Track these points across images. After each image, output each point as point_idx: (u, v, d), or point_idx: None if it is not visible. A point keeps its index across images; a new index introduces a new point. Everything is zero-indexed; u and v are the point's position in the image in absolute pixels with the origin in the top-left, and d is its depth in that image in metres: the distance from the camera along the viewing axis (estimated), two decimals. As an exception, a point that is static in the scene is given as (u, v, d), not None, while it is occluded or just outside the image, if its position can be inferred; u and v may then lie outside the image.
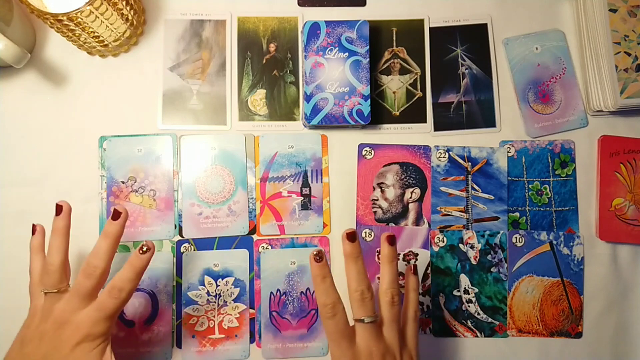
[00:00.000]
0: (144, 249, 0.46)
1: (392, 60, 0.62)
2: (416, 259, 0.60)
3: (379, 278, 0.59)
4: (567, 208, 0.61)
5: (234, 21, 0.62)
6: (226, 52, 0.61)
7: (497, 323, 0.60)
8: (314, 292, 0.59)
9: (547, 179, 0.61)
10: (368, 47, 0.58)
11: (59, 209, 0.49)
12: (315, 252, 0.46)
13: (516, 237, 0.60)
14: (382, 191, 0.61)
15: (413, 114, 0.62)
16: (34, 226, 0.51)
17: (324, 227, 0.60)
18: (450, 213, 0.61)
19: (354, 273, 0.46)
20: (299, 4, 0.63)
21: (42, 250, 0.50)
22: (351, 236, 0.46)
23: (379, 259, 0.60)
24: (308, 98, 0.57)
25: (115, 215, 0.47)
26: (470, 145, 0.61)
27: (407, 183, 0.61)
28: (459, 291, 0.60)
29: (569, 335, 0.60)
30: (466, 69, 0.63)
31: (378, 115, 0.61)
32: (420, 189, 0.61)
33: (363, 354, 0.45)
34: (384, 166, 0.61)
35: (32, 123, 0.59)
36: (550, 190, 0.61)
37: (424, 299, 0.60)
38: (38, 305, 0.47)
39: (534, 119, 0.62)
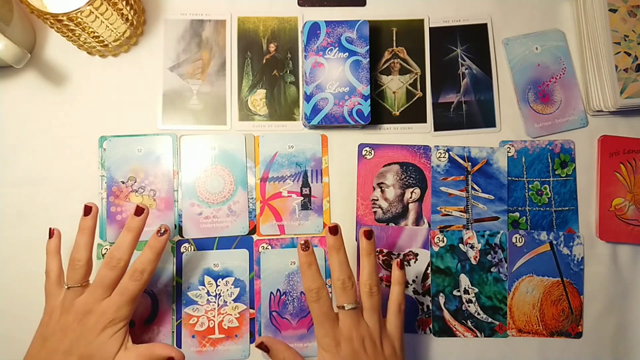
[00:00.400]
0: (162, 230, 0.50)
1: (392, 60, 0.62)
2: (416, 259, 0.60)
3: (380, 278, 0.59)
4: (567, 208, 0.61)
5: (234, 21, 0.62)
6: (226, 52, 0.61)
7: (497, 323, 0.60)
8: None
9: (547, 179, 0.61)
10: (368, 47, 0.58)
11: (87, 209, 0.51)
12: (302, 242, 0.50)
13: (516, 237, 0.60)
14: (382, 191, 0.61)
15: (413, 114, 0.62)
16: (51, 230, 0.53)
17: (324, 227, 0.60)
18: (450, 213, 0.61)
19: (336, 263, 0.50)
20: (299, 4, 0.63)
21: (58, 252, 0.52)
22: (333, 229, 0.50)
23: (379, 259, 0.60)
24: (308, 98, 0.57)
25: (139, 211, 0.50)
26: (470, 145, 0.61)
27: (407, 183, 0.61)
28: (459, 291, 0.60)
29: (569, 335, 0.60)
30: (466, 69, 0.63)
31: (378, 115, 0.61)
32: (420, 189, 0.61)
33: (344, 337, 0.49)
34: (384, 166, 0.61)
35: (32, 123, 0.59)
36: (550, 190, 0.61)
37: (424, 299, 0.60)
38: (56, 303, 0.49)
39: (534, 119, 0.62)
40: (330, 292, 0.55)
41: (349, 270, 0.50)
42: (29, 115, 0.59)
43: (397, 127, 0.62)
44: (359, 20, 0.58)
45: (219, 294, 0.58)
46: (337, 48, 0.58)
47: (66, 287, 0.49)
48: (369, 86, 0.57)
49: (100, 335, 0.47)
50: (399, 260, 0.54)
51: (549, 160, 0.62)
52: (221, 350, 0.58)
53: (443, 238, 0.60)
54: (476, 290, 0.60)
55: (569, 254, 0.61)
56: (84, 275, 0.49)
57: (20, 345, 0.49)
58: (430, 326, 0.59)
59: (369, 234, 0.51)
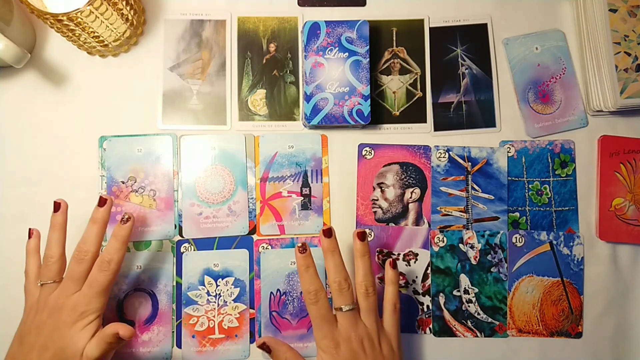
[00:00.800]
0: (126, 218, 0.51)
1: (392, 60, 0.62)
2: (416, 259, 0.60)
3: (379, 278, 0.59)
4: (567, 208, 0.61)
5: (234, 21, 0.62)
6: (226, 52, 0.61)
7: (497, 323, 0.60)
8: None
9: (547, 179, 0.61)
10: (368, 47, 0.58)
11: (57, 205, 0.52)
12: (299, 245, 0.51)
13: (516, 237, 0.60)
14: (382, 191, 0.61)
15: (413, 114, 0.62)
16: (30, 230, 0.54)
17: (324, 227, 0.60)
18: (450, 213, 0.61)
19: (332, 266, 0.51)
20: (299, 4, 0.63)
21: (37, 252, 0.53)
22: (327, 232, 0.51)
23: (378, 258, 0.60)
24: (308, 98, 0.57)
25: (102, 202, 0.51)
26: (470, 145, 0.61)
27: (407, 183, 0.61)
28: (459, 291, 0.60)
29: (569, 335, 0.60)
30: (466, 69, 0.63)
31: (378, 115, 0.61)
32: (420, 189, 0.61)
33: (342, 338, 0.49)
34: (384, 166, 0.61)
35: (32, 123, 0.59)
36: (550, 190, 0.61)
37: (424, 299, 0.60)
38: (33, 301, 0.50)
39: (534, 119, 0.62)
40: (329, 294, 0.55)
41: (345, 272, 0.51)
42: (29, 115, 0.59)
43: (397, 127, 0.62)
44: (359, 20, 0.58)
45: (219, 294, 0.58)
46: (337, 48, 0.58)
47: (39, 284, 0.50)
48: (369, 86, 0.57)
49: (71, 329, 0.47)
50: (391, 260, 0.54)
51: (549, 160, 0.62)
52: (221, 350, 0.58)
53: (443, 238, 0.60)
54: (476, 290, 0.60)
55: (569, 254, 0.61)
56: (57, 271, 0.50)
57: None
58: (430, 326, 0.59)
59: (362, 235, 0.52)
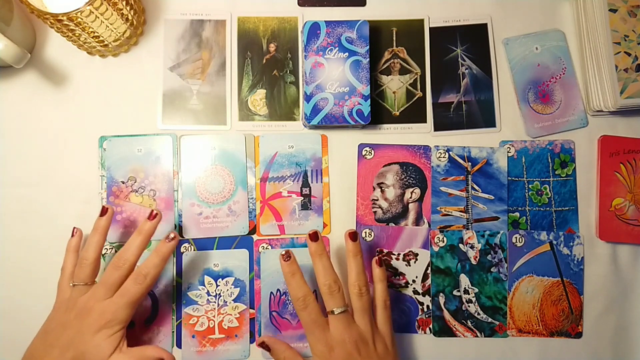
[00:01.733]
0: (171, 236, 0.51)
1: (392, 60, 0.62)
2: (416, 259, 0.60)
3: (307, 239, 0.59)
4: (567, 208, 0.61)
5: (234, 21, 0.62)
6: (226, 52, 0.61)
7: (497, 323, 0.60)
8: (314, 291, 0.59)
9: (547, 179, 0.61)
10: (368, 47, 0.58)
11: (104, 210, 0.52)
12: (283, 252, 0.51)
13: (516, 237, 0.60)
14: (382, 191, 0.61)
15: (413, 114, 0.62)
16: (74, 229, 0.55)
17: (324, 227, 0.60)
18: (450, 213, 0.61)
19: (321, 269, 0.50)
20: (299, 4, 0.63)
21: (76, 251, 0.53)
22: (313, 236, 0.51)
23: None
24: (308, 98, 0.57)
25: (152, 216, 0.51)
26: (470, 145, 0.61)
27: (407, 183, 0.61)
28: (459, 291, 0.60)
29: (569, 335, 0.60)
30: (466, 69, 0.63)
31: (378, 115, 0.61)
32: (420, 189, 0.61)
33: (336, 342, 0.49)
34: (384, 166, 0.61)
35: (32, 123, 0.59)
36: (550, 190, 0.61)
37: (424, 299, 0.60)
38: (63, 299, 0.50)
39: (534, 119, 0.62)
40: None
41: (334, 274, 0.51)
42: (29, 115, 0.59)
43: (397, 127, 0.62)
44: (359, 20, 0.58)
45: (219, 294, 0.58)
46: (337, 48, 0.58)
47: (71, 284, 0.50)
48: (369, 86, 0.57)
49: (96, 335, 0.47)
50: (377, 258, 0.54)
51: (549, 160, 0.62)
52: (221, 350, 0.58)
53: (443, 238, 0.60)
54: (476, 290, 0.60)
55: (569, 254, 0.61)
56: (90, 274, 0.50)
57: (21, 345, 0.50)
58: (430, 326, 0.59)
59: (353, 236, 0.52)
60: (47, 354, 0.47)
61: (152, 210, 0.51)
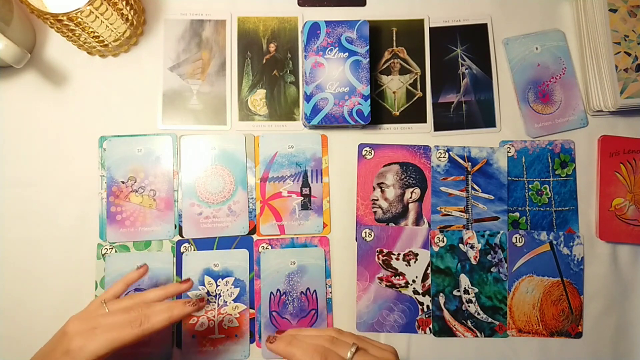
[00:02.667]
0: (193, 302, 0.47)
1: (392, 60, 0.62)
2: (416, 259, 0.60)
3: (379, 278, 0.59)
4: (567, 208, 0.61)
5: (234, 21, 0.62)
6: (226, 52, 0.61)
7: (497, 323, 0.60)
8: (314, 291, 0.59)
9: (547, 179, 0.61)
10: (368, 47, 0.58)
11: (187, 283, 0.50)
12: (269, 337, 0.45)
13: (516, 237, 0.60)
14: (382, 191, 0.61)
15: (413, 114, 0.62)
16: (144, 265, 0.53)
17: (324, 227, 0.60)
18: (450, 213, 0.61)
19: (308, 338, 0.45)
20: (299, 4, 0.63)
21: (129, 285, 0.51)
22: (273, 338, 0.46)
23: (379, 259, 0.60)
24: (308, 98, 0.57)
25: (186, 282, 0.50)
26: (470, 145, 0.61)
27: (407, 183, 0.61)
28: (459, 291, 0.60)
29: (569, 335, 0.60)
30: (466, 69, 0.63)
31: (378, 115, 0.61)
32: (420, 189, 0.61)
33: None
34: (384, 166, 0.61)
35: (32, 123, 0.59)
36: (550, 190, 0.61)
37: (424, 299, 0.60)
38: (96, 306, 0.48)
39: (534, 119, 0.62)
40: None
41: (324, 330, 0.46)
42: (29, 115, 0.59)
43: (397, 127, 0.62)
44: (359, 20, 0.58)
45: (219, 294, 0.58)
46: (337, 48, 0.58)
47: (103, 302, 0.48)
48: (369, 86, 0.57)
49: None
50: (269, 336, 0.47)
51: (549, 160, 0.62)
52: (221, 350, 0.58)
53: (443, 238, 0.60)
54: (476, 290, 0.60)
55: (569, 254, 0.60)
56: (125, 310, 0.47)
57: (20, 345, 0.50)
58: (430, 326, 0.59)
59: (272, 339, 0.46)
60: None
61: (189, 280, 0.50)
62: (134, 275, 0.52)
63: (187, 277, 0.50)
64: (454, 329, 0.59)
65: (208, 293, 0.58)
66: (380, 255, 0.60)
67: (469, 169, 0.61)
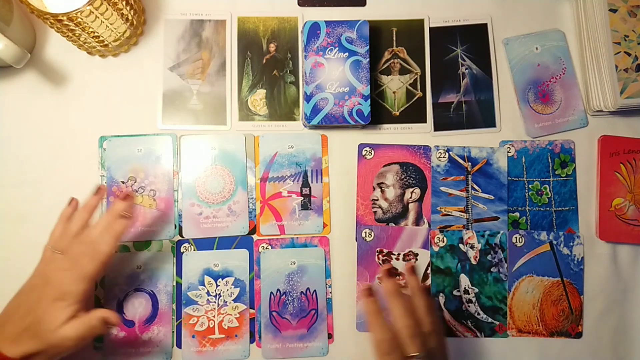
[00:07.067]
0: (122, 209, 0.51)
1: (392, 60, 0.62)
2: (416, 259, 0.60)
3: (379, 278, 0.59)
4: (567, 208, 0.61)
5: (234, 21, 0.62)
6: (226, 52, 0.61)
7: (497, 323, 0.60)
8: (314, 291, 0.59)
9: (547, 179, 0.61)
10: (368, 47, 0.58)
11: (98, 190, 0.53)
12: (365, 287, 0.49)
13: (516, 237, 0.60)
14: (382, 191, 0.61)
15: (413, 114, 0.62)
16: (71, 199, 0.54)
17: (324, 227, 0.60)
18: (450, 213, 0.61)
19: (399, 309, 0.47)
20: (299, 4, 0.63)
21: (67, 220, 0.53)
22: (389, 272, 0.49)
23: (379, 259, 0.60)
24: (308, 98, 0.57)
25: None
26: (470, 145, 0.61)
27: (407, 183, 0.61)
28: (459, 291, 0.60)
29: (569, 335, 0.60)
30: (466, 69, 0.63)
31: (378, 115, 0.61)
32: (420, 189, 0.61)
33: None
34: (384, 166, 0.61)
35: (32, 123, 0.59)
36: (550, 190, 0.61)
37: (424, 299, 0.60)
38: (42, 263, 0.51)
39: (534, 119, 0.62)
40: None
41: (415, 315, 0.47)
42: (29, 115, 0.59)
43: (397, 127, 0.62)
44: (359, 20, 0.58)
45: (219, 294, 0.58)
46: (337, 48, 0.58)
47: (50, 247, 0.50)
48: (369, 86, 0.57)
49: (52, 305, 0.47)
50: (410, 266, 0.50)
51: (549, 160, 0.62)
52: (221, 350, 0.58)
53: (443, 238, 0.60)
54: (476, 290, 0.60)
55: (569, 254, 0.60)
56: (67, 245, 0.50)
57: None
58: (430, 326, 0.59)
59: (391, 273, 0.49)
60: (14, 312, 0.48)
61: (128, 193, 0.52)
62: (68, 210, 0.53)
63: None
64: (454, 329, 0.59)
65: (208, 293, 0.58)
66: (380, 255, 0.60)
67: (469, 169, 0.61)
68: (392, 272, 0.47)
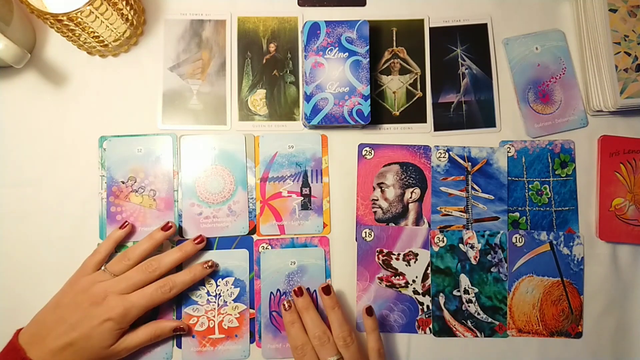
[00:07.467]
0: (210, 264, 0.56)
1: (392, 60, 0.62)
2: (416, 259, 0.60)
3: (378, 278, 0.59)
4: (567, 208, 0.61)
5: (234, 21, 0.62)
6: (226, 52, 0.61)
7: (497, 323, 0.60)
8: (314, 291, 0.59)
9: (547, 179, 0.61)
10: (368, 47, 0.58)
11: (167, 227, 0.55)
12: (285, 302, 0.54)
13: (516, 237, 0.60)
14: (382, 191, 0.61)
15: (413, 114, 0.62)
16: (125, 222, 0.57)
17: (324, 227, 0.60)
18: (450, 213, 0.61)
19: (309, 321, 0.53)
20: (299, 4, 0.63)
21: (116, 243, 0.56)
22: (298, 292, 0.55)
23: (379, 259, 0.60)
24: (308, 98, 0.57)
25: (200, 240, 0.56)
26: (470, 145, 0.61)
27: (407, 183, 0.61)
28: (459, 291, 0.60)
29: (569, 335, 0.60)
30: (466, 69, 0.63)
31: (378, 115, 0.61)
32: (420, 189, 0.61)
33: None
34: (384, 166, 0.61)
35: (32, 123, 0.59)
36: (550, 190, 0.61)
37: (424, 299, 0.60)
38: (84, 279, 0.52)
39: (534, 119, 0.62)
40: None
41: (322, 325, 0.53)
42: (29, 115, 0.59)
43: (397, 127, 0.62)
44: (359, 20, 0.58)
45: (219, 294, 0.58)
46: (337, 48, 0.58)
47: (103, 268, 0.53)
48: (369, 86, 0.57)
49: (102, 325, 0.49)
50: (366, 307, 0.55)
51: (549, 160, 0.62)
52: (221, 350, 0.58)
53: (443, 238, 0.60)
54: (476, 290, 0.60)
55: (569, 254, 0.61)
56: (122, 272, 0.52)
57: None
58: (430, 326, 0.59)
59: (327, 290, 0.54)
60: (56, 327, 0.49)
61: (201, 235, 0.57)
62: (120, 234, 0.56)
63: (200, 236, 0.56)
64: (454, 329, 0.59)
65: (208, 293, 0.58)
66: (380, 255, 0.60)
67: (469, 169, 0.61)
68: (301, 291, 0.54)
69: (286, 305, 0.54)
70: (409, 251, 0.60)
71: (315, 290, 0.59)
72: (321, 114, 0.58)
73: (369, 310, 0.54)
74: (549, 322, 0.60)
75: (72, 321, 0.49)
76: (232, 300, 0.58)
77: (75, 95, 0.60)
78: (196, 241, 0.55)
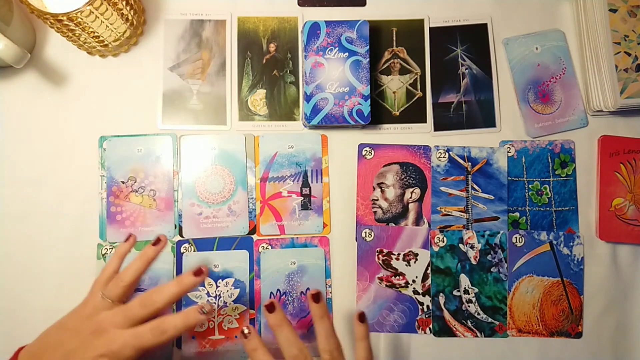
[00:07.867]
0: (207, 308, 0.48)
1: (392, 60, 0.62)
2: (416, 259, 0.60)
3: (378, 278, 0.59)
4: (567, 208, 0.61)
5: (234, 21, 0.62)
6: (226, 52, 0.61)
7: (497, 323, 0.60)
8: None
9: (547, 179, 0.61)
10: (368, 47, 0.58)
11: (157, 241, 0.51)
12: (244, 328, 0.48)
13: (516, 237, 0.60)
14: (382, 191, 0.61)
15: (413, 114, 0.62)
16: (129, 235, 0.52)
17: (324, 227, 0.60)
18: (450, 213, 0.61)
19: (283, 340, 0.47)
20: (299, 4, 0.63)
21: (123, 258, 0.51)
22: (316, 297, 0.48)
23: (379, 259, 0.60)
24: (308, 98, 0.57)
25: (198, 272, 0.49)
26: (470, 145, 0.61)
27: (407, 183, 0.61)
28: (459, 291, 0.60)
29: (569, 335, 0.60)
30: (466, 69, 0.63)
31: (378, 115, 0.61)
32: (420, 189, 0.61)
33: None
34: (384, 166, 0.61)
35: (32, 123, 0.59)
36: (550, 190, 0.61)
37: (424, 299, 0.60)
38: (90, 302, 0.49)
39: (534, 119, 0.62)
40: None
41: (299, 343, 0.48)
42: (29, 115, 0.59)
43: (397, 127, 0.62)
44: (359, 20, 0.58)
45: (219, 295, 0.58)
46: (337, 48, 0.58)
47: (100, 295, 0.49)
48: (369, 86, 0.57)
49: (96, 359, 0.46)
50: (358, 314, 0.50)
51: (549, 160, 0.62)
52: (221, 351, 0.58)
53: (443, 238, 0.60)
54: (476, 290, 0.60)
55: (569, 254, 0.61)
56: (119, 296, 0.49)
57: (20, 345, 0.49)
58: (430, 326, 0.59)
59: (316, 297, 0.49)
60: (53, 351, 0.47)
61: (200, 268, 0.49)
62: (126, 247, 0.52)
63: (198, 268, 0.49)
64: (454, 329, 0.59)
65: (208, 294, 0.58)
66: (380, 255, 0.60)
67: (469, 169, 0.61)
68: (273, 306, 0.48)
69: (245, 332, 0.48)
70: (409, 251, 0.60)
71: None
72: (321, 114, 0.58)
73: (362, 317, 0.49)
74: (549, 322, 0.60)
75: (69, 348, 0.47)
76: (232, 301, 0.58)
77: (75, 95, 0.60)
78: (195, 273, 0.49)
